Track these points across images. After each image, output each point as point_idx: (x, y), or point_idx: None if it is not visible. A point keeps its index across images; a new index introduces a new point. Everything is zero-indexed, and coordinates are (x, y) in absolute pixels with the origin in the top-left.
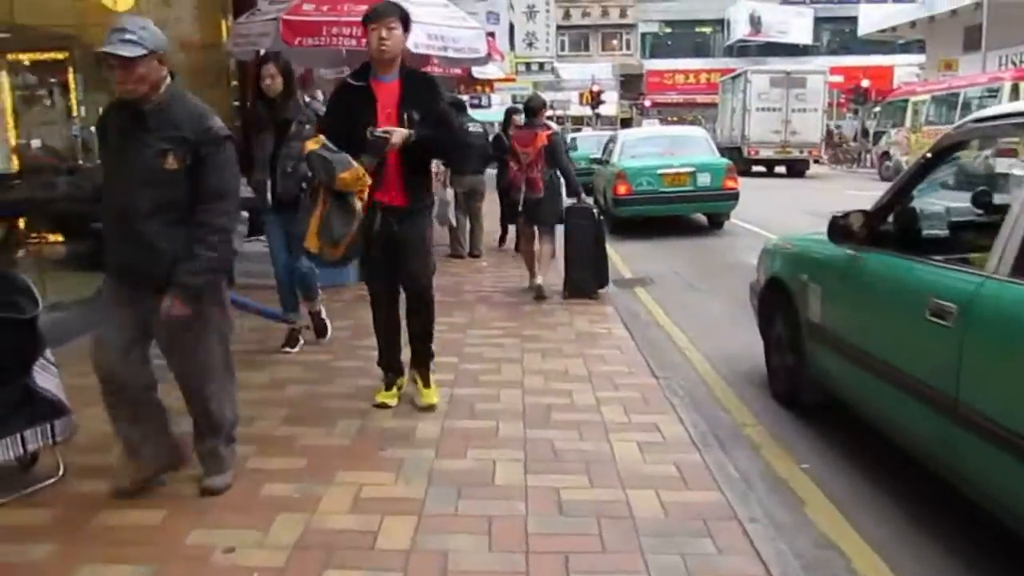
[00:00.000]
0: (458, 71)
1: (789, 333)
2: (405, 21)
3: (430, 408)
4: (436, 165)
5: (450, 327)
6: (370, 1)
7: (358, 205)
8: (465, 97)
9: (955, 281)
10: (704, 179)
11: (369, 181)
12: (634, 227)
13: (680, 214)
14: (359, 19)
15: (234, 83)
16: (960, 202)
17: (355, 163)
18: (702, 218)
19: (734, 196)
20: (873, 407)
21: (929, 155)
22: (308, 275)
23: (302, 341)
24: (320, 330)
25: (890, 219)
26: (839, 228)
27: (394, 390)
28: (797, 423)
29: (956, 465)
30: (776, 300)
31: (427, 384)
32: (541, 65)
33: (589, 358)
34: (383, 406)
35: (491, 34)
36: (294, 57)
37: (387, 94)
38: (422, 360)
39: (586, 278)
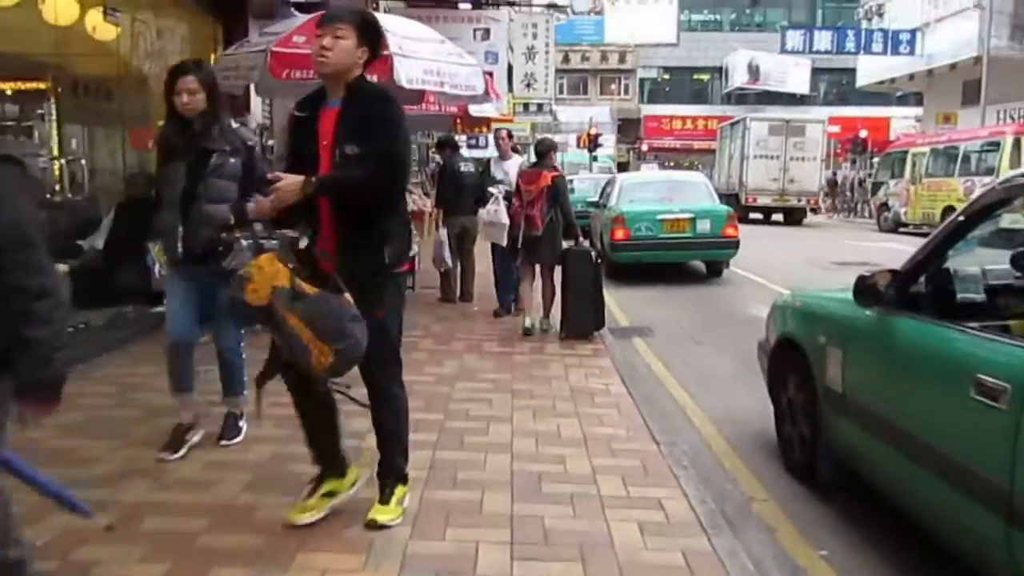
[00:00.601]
0: (454, 109)
1: (803, 400)
2: (363, 31)
3: (376, 527)
4: (425, 204)
5: (438, 379)
6: None
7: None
8: (463, 137)
9: (1006, 356)
10: (704, 226)
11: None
12: (631, 273)
13: (679, 261)
14: None
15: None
16: (992, 262)
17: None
18: (700, 265)
19: (734, 244)
20: (905, 493)
21: (967, 213)
22: (234, 361)
23: (193, 440)
24: (229, 432)
25: (922, 280)
26: (865, 288)
27: (316, 498)
28: (814, 499)
29: (1012, 570)
30: (788, 362)
31: (384, 499)
32: (540, 106)
33: (585, 418)
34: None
35: (489, 74)
36: (288, 91)
37: (327, 124)
38: (382, 470)
39: (585, 321)
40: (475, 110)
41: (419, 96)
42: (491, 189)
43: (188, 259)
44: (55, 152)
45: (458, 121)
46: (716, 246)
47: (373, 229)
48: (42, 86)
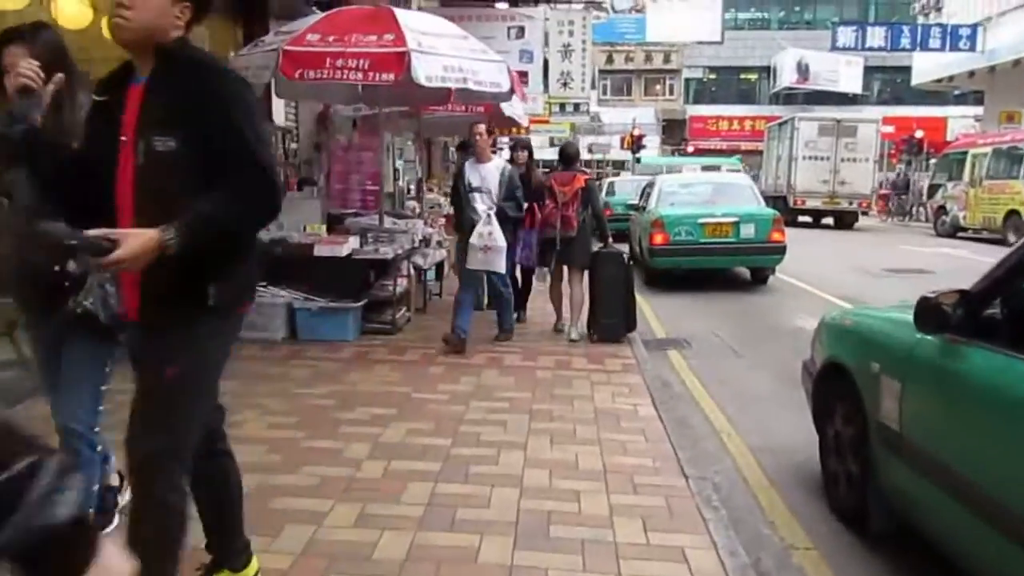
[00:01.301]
0: (480, 109)
1: (852, 434)
2: None
3: None
4: (443, 208)
5: (451, 397)
6: (380, 31)
7: None
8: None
9: None
10: (748, 231)
11: None
12: (670, 280)
13: (721, 267)
14: (366, 50)
15: None
16: None
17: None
18: (744, 271)
19: (781, 250)
20: (968, 555)
21: None
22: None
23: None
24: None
25: (997, 303)
26: (929, 310)
27: None
28: (863, 548)
29: None
30: (836, 390)
31: None
32: (577, 106)
33: (607, 445)
34: None
35: (524, 73)
36: (302, 93)
37: (131, 108)
38: None
39: (616, 323)
40: (507, 110)
41: (444, 96)
42: (478, 206)
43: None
44: None
45: (491, 123)
46: (761, 252)
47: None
48: None
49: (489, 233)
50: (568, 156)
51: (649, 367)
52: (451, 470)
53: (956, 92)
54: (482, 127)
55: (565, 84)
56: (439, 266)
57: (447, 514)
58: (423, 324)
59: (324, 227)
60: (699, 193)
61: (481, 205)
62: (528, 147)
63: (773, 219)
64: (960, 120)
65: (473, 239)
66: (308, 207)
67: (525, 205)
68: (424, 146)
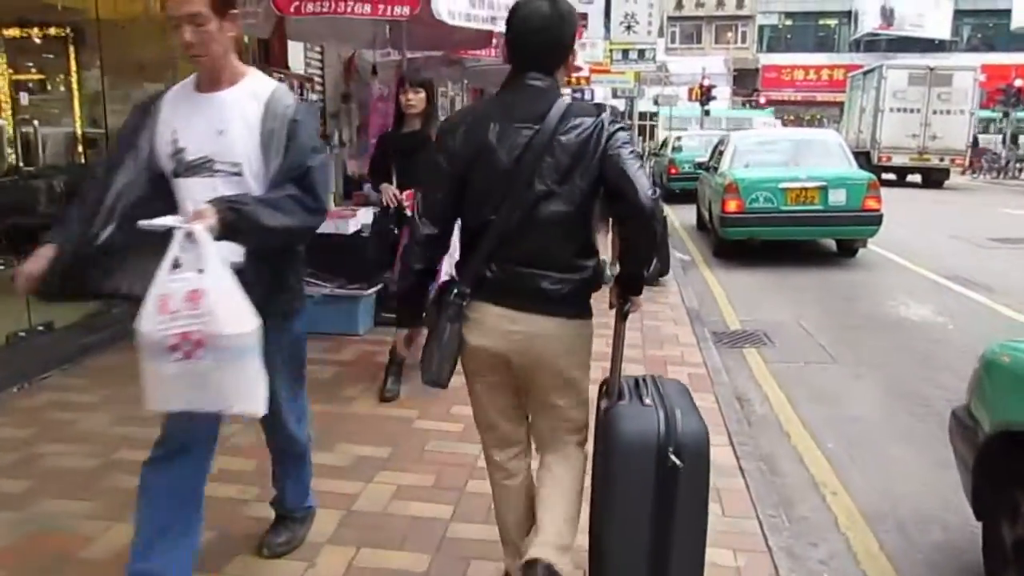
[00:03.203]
0: None
1: None
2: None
3: None
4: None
5: (467, 427)
6: None
7: None
8: (567, 91)
9: None
10: (838, 197)
11: None
12: (743, 251)
13: (805, 239)
14: None
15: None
16: None
17: None
18: (830, 242)
19: (876, 220)
20: None
21: None
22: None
23: None
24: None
25: None
26: None
27: None
28: None
29: None
30: (1017, 473)
31: None
32: (642, 52)
33: None
34: None
35: (584, 15)
36: (315, 33)
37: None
38: None
39: (652, 267)
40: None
41: (484, 39)
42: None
43: None
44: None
45: None
46: (853, 222)
47: None
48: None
49: None
50: None
51: (724, 380)
52: (467, 508)
53: None
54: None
55: (629, 27)
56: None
57: (457, 567)
58: None
59: (332, 196)
60: (780, 152)
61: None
62: None
63: (868, 183)
64: None
65: None
66: None
67: None
68: (477, 97)
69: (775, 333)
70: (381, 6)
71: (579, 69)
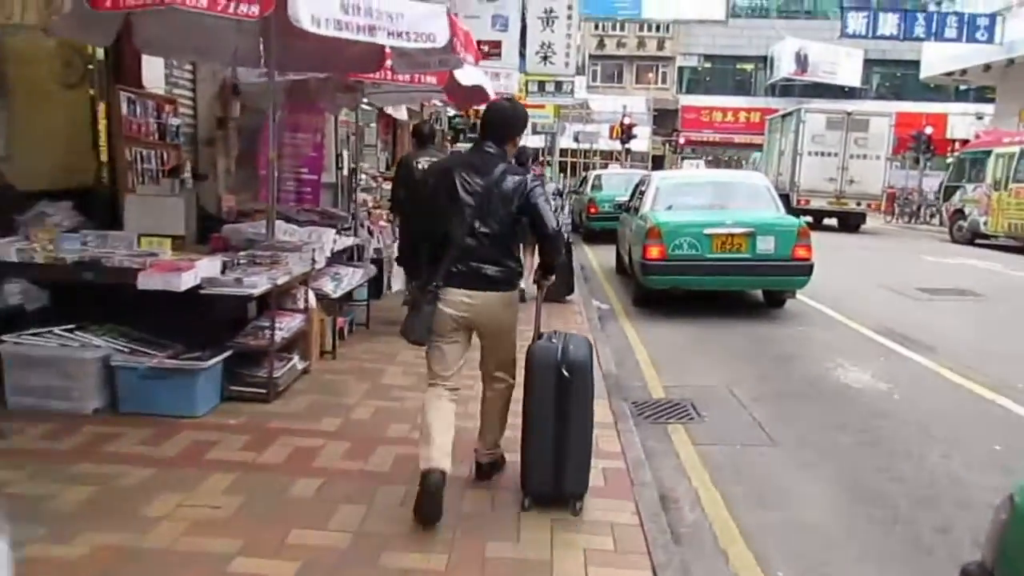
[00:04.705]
0: (433, 79)
1: None
2: None
3: None
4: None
5: (307, 566)
6: None
7: None
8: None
9: None
10: (766, 245)
11: None
12: (663, 301)
13: (731, 289)
14: None
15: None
16: None
17: None
18: (755, 291)
19: (807, 270)
20: None
21: None
22: None
23: None
24: None
25: None
26: None
27: None
28: None
29: None
30: None
31: None
32: (559, 85)
33: None
34: None
35: (497, 43)
36: (166, 46)
37: None
38: None
39: (558, 286)
40: (464, 78)
41: (374, 59)
42: None
43: None
44: None
45: (453, 101)
46: (783, 271)
47: None
48: None
49: None
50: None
51: (646, 480)
52: None
53: (962, 87)
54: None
55: (546, 58)
56: (374, 282)
57: None
58: (322, 381)
59: (168, 242)
60: (704, 195)
61: None
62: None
63: (798, 230)
64: (961, 118)
65: None
66: (164, 208)
67: None
68: (388, 127)
69: (705, 403)
70: (223, 1)
71: (517, 143)
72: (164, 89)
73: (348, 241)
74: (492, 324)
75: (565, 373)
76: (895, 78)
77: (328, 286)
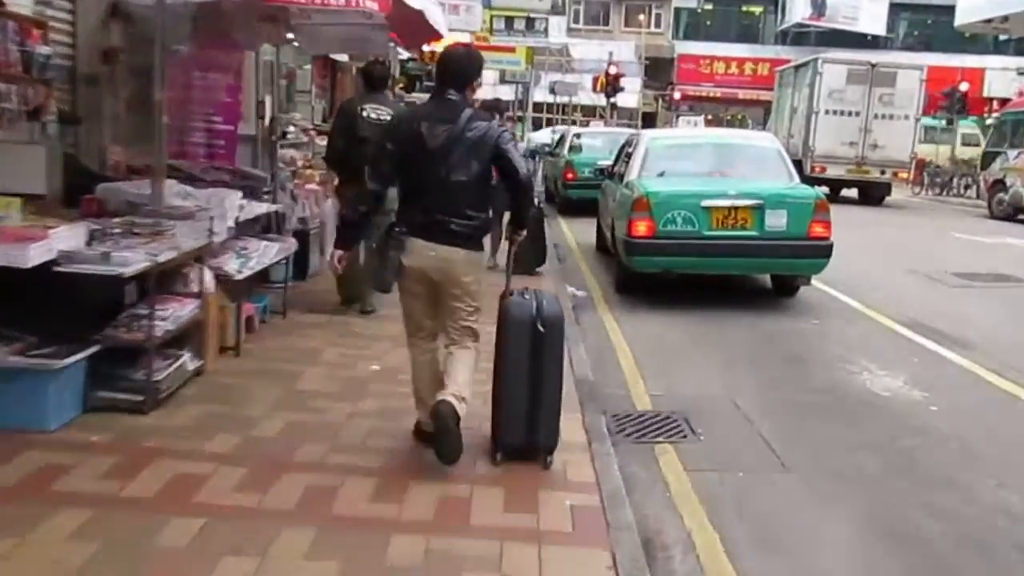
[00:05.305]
0: (374, 4)
1: None
2: None
3: None
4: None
5: None
6: None
7: None
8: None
9: None
10: (777, 220)
11: None
12: (653, 285)
13: (734, 274)
14: None
15: None
16: None
17: None
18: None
19: (825, 251)
20: None
21: None
22: None
23: None
24: None
25: None
26: None
27: None
28: None
29: None
30: None
31: None
32: (530, 23)
33: None
34: None
35: None
36: None
37: None
38: None
39: (526, 253)
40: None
41: None
42: None
43: None
44: None
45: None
46: (796, 253)
47: None
48: None
49: None
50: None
51: (625, 520)
52: None
53: (1002, 38)
54: None
55: None
56: (297, 259)
57: None
58: (219, 386)
59: (18, 203)
60: (704, 159)
61: None
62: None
63: (815, 203)
64: (1001, 73)
65: None
66: (19, 160)
67: None
68: (325, 70)
69: (700, 417)
70: None
71: (475, 88)
72: (32, 9)
73: (261, 208)
74: (450, 281)
75: (540, 328)
76: (925, 26)
77: (231, 264)
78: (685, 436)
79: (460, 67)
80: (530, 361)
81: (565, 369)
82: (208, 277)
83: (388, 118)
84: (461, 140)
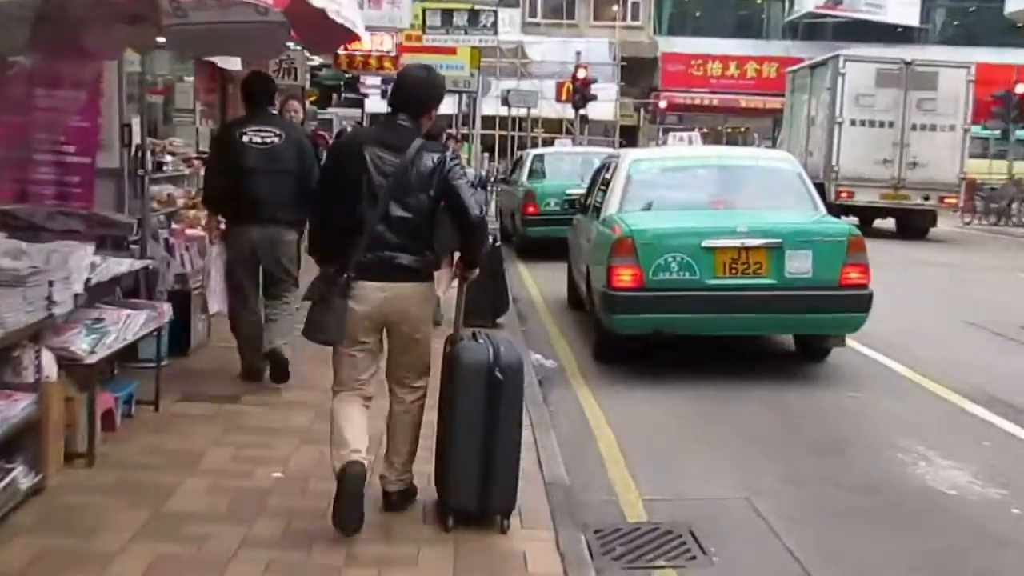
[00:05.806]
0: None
1: None
2: None
3: None
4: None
5: None
6: None
7: None
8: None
9: None
10: (800, 264)
11: None
12: (639, 354)
13: (747, 334)
14: None
15: None
16: None
17: None
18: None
19: (863, 302)
20: None
21: None
22: None
23: None
24: None
25: None
26: None
27: None
28: None
29: None
30: None
31: None
32: (474, 17)
33: None
34: None
35: None
36: None
37: None
38: None
39: (484, 308)
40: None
41: None
42: None
43: None
44: None
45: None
46: (826, 305)
47: None
48: None
49: None
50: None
51: None
52: None
53: None
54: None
55: None
56: (175, 330)
57: None
58: (63, 508)
59: None
60: (702, 186)
61: None
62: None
63: (849, 240)
64: None
65: None
66: None
67: None
68: (213, 84)
69: (710, 528)
70: None
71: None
72: None
73: (122, 265)
74: (406, 320)
75: (499, 376)
76: (967, 15)
77: (81, 343)
78: (693, 557)
79: (418, 92)
80: (485, 414)
81: (532, 471)
82: (48, 361)
83: (277, 140)
84: (409, 172)
